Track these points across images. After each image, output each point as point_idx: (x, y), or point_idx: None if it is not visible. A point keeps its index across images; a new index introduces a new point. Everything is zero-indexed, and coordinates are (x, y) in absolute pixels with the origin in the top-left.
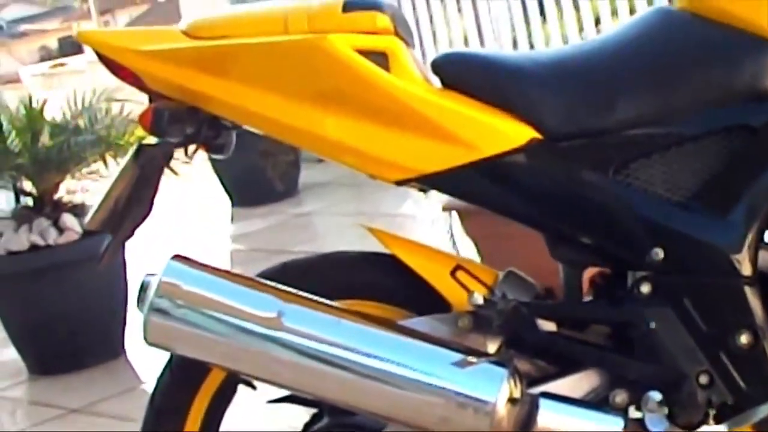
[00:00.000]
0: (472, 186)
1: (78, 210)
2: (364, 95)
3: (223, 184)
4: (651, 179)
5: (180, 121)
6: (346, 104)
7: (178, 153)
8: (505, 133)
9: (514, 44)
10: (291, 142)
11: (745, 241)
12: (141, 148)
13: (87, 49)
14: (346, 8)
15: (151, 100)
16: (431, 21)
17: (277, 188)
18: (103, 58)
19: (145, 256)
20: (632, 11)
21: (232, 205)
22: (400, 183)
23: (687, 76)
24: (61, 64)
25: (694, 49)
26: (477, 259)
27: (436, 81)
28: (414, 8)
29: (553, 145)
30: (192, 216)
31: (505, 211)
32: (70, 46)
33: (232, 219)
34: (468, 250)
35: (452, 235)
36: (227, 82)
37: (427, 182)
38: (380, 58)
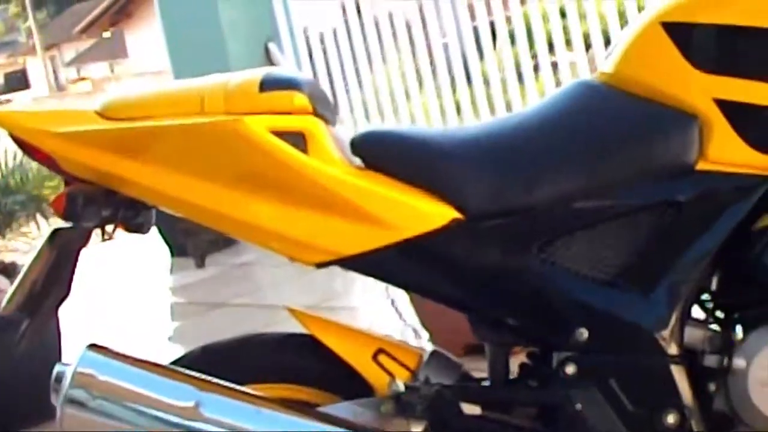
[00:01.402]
0: (394, 268)
1: (9, 270)
2: (281, 178)
3: (162, 234)
4: (575, 258)
5: (96, 205)
6: (263, 187)
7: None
8: (426, 214)
9: (467, 74)
10: (209, 225)
11: (670, 319)
12: (56, 232)
13: (32, 83)
14: (263, 87)
15: (66, 183)
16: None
17: (197, 266)
18: (17, 140)
19: (82, 310)
20: (586, 38)
21: (172, 256)
22: (320, 266)
23: (610, 152)
24: (7, 101)
25: (616, 124)
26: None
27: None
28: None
29: (474, 224)
30: (131, 268)
31: (428, 292)
32: (17, 81)
33: (171, 270)
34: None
35: (388, 295)
36: (143, 165)
37: (348, 264)
38: (298, 139)
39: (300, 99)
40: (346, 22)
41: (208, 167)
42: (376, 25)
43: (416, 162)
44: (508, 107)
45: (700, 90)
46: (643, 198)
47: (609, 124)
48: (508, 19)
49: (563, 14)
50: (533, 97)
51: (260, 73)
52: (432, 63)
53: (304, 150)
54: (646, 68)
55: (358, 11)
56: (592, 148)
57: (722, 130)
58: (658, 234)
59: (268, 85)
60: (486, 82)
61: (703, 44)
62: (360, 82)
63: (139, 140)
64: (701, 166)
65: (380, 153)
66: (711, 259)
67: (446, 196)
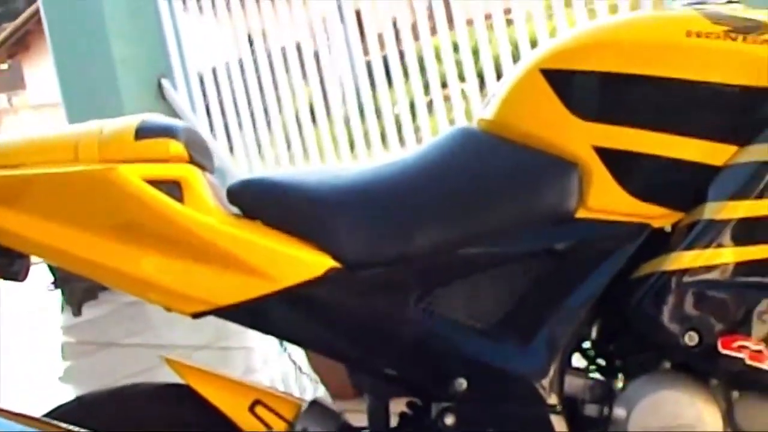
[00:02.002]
0: (271, 318)
1: None
2: (156, 227)
3: (52, 272)
4: (453, 307)
5: None
6: (138, 236)
7: None
8: (303, 263)
9: (360, 108)
10: (84, 274)
11: (550, 368)
12: None
13: None
14: (138, 135)
15: None
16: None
17: (74, 315)
18: None
19: None
20: (480, 74)
21: (62, 294)
22: (196, 316)
23: (488, 200)
24: None
25: (495, 171)
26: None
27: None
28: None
29: (352, 274)
30: (22, 307)
31: (307, 343)
32: None
33: (62, 308)
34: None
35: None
36: (16, 214)
37: (224, 314)
38: (173, 188)
39: (176, 147)
40: (239, 57)
41: (83, 216)
42: (270, 59)
43: (293, 211)
44: (402, 142)
45: (579, 137)
46: (522, 246)
47: (487, 171)
48: (402, 54)
49: (456, 49)
50: (426, 132)
51: (136, 120)
52: (325, 97)
53: (179, 199)
54: (525, 115)
55: (252, 46)
56: (470, 196)
57: (601, 178)
58: (538, 282)
59: (143, 132)
60: (379, 116)
61: (582, 91)
62: (253, 117)
63: (11, 188)
64: (581, 214)
65: (257, 202)
66: (591, 308)
67: (323, 245)
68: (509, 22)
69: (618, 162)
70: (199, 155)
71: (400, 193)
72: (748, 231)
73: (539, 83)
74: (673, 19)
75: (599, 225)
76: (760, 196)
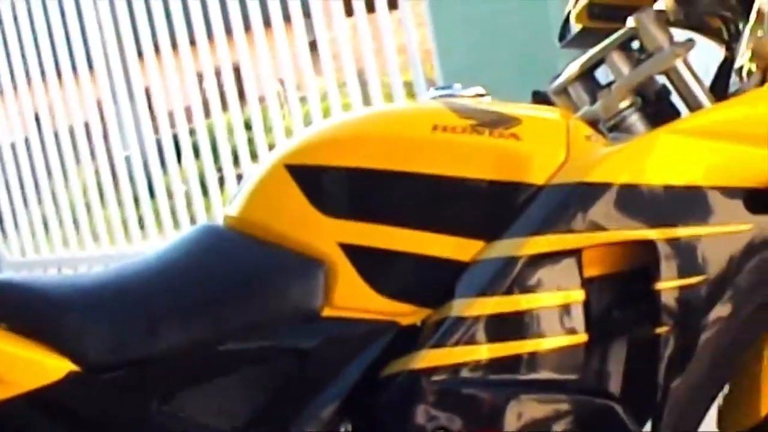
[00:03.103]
0: (16, 423)
1: None
2: None
3: None
4: (200, 409)
5: None
6: None
7: None
8: (41, 367)
9: (150, 187)
10: None
11: None
12: None
13: None
14: None
15: None
16: None
17: None
18: None
19: None
20: (272, 150)
21: None
22: None
23: (232, 300)
24: None
25: (238, 270)
26: None
27: None
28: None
29: (92, 377)
30: None
31: None
32: None
33: None
34: None
35: None
36: None
37: None
38: None
39: None
40: (26, 135)
41: None
42: (57, 138)
43: (33, 314)
44: (193, 221)
45: (325, 234)
46: (269, 345)
47: (231, 270)
48: (192, 132)
49: (248, 127)
50: (219, 209)
51: None
52: (114, 176)
53: None
54: (270, 212)
55: (38, 124)
56: (212, 295)
57: (347, 276)
58: (286, 382)
59: None
60: (170, 195)
61: (327, 187)
62: (40, 197)
63: None
64: (327, 312)
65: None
66: (341, 407)
67: (64, 349)
68: (303, 99)
69: (364, 259)
70: None
71: (141, 292)
72: (497, 327)
73: (284, 179)
74: (420, 112)
75: (345, 323)
76: (508, 292)
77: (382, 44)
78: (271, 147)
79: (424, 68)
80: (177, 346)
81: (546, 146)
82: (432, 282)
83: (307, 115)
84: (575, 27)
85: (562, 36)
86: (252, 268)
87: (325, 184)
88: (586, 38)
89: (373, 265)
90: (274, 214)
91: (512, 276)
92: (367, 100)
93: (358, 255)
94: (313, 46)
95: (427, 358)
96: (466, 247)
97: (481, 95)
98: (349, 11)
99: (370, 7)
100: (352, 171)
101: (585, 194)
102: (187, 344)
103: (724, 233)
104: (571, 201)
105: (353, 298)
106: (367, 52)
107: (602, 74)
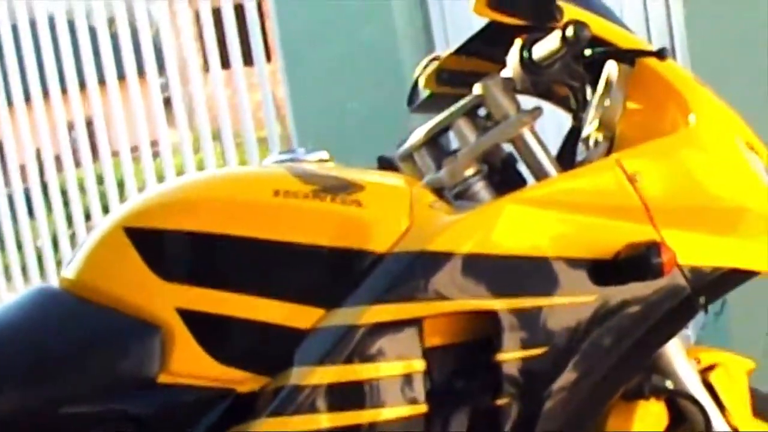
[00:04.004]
0: None
1: None
2: None
3: None
4: None
5: None
6: None
7: None
8: None
9: (0, 241)
10: None
11: None
12: None
13: None
14: None
15: None
16: None
17: None
18: None
19: None
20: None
21: None
22: None
23: (69, 364)
24: None
25: (75, 334)
26: None
27: None
28: None
29: None
30: None
31: None
32: None
33: None
34: None
35: None
36: None
37: None
38: None
39: None
40: None
41: None
42: None
43: None
44: (43, 276)
45: (162, 299)
46: (105, 411)
47: (67, 334)
48: (45, 186)
49: (101, 181)
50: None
51: None
52: None
53: None
54: (108, 275)
55: None
56: (48, 360)
57: (184, 341)
58: None
59: None
60: (20, 249)
61: (165, 251)
62: None
63: None
64: (163, 378)
65: None
66: None
67: None
68: (156, 154)
69: (201, 325)
70: None
71: None
72: (337, 397)
73: (122, 242)
74: (261, 177)
75: (181, 390)
76: (348, 361)
77: (238, 100)
78: (123, 201)
79: (281, 125)
80: (12, 410)
81: (388, 213)
82: (271, 349)
83: (160, 170)
84: (424, 92)
85: (410, 100)
86: (88, 333)
87: (164, 248)
88: (434, 103)
89: (210, 331)
90: (112, 278)
91: (352, 345)
92: (221, 157)
93: (196, 321)
94: (167, 101)
95: (265, 426)
96: (306, 315)
97: (325, 160)
98: (206, 66)
99: (225, 64)
100: (190, 235)
101: (427, 263)
102: (23, 409)
103: (568, 304)
104: (412, 270)
105: (190, 364)
106: (222, 108)
107: (451, 140)
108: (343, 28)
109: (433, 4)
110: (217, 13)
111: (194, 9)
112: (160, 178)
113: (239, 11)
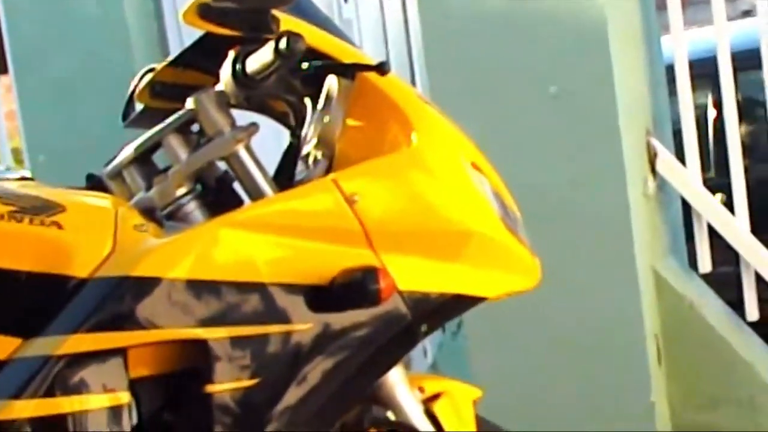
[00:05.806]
0: None
1: None
2: None
3: None
4: None
5: None
6: None
7: None
8: None
9: None
10: None
11: None
12: None
13: None
14: None
15: None
16: None
17: None
18: None
19: None
20: None
21: None
22: None
23: None
24: None
25: None
26: None
27: None
28: None
29: None
30: None
31: None
32: None
33: None
34: None
35: None
36: None
37: None
38: None
39: None
40: None
41: None
42: None
43: None
44: None
45: None
46: None
47: None
48: None
49: None
50: None
51: None
52: None
53: None
54: None
55: None
56: None
57: None
58: None
59: None
60: None
61: None
62: None
63: None
64: None
65: None
66: None
67: None
68: None
69: None
70: None
71: None
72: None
73: None
74: None
75: None
76: (48, 394)
77: None
78: None
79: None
80: None
81: (90, 236)
82: None
83: None
84: (138, 105)
85: (125, 115)
86: None
87: None
88: (148, 118)
89: None
90: None
91: (51, 377)
92: None
93: None
94: None
95: None
96: (2, 345)
97: (27, 179)
98: None
99: None
100: None
101: (130, 289)
102: None
103: (283, 332)
104: (115, 296)
105: None
106: None
107: (163, 158)
108: (76, 40)
109: (168, 13)
110: None
111: None
112: None
113: None
